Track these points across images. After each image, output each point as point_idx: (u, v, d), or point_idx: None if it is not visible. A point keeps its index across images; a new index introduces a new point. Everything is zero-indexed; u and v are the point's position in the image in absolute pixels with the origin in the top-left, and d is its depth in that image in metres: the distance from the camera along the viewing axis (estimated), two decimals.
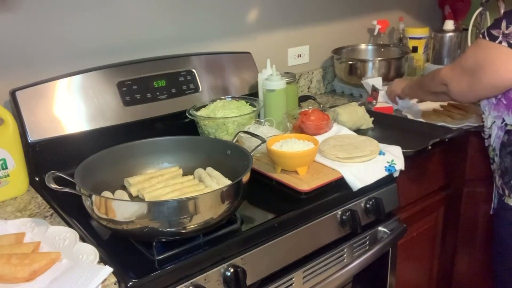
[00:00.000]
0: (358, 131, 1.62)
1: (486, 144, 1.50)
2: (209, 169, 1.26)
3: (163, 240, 1.04)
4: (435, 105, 1.83)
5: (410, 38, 2.32)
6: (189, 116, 1.54)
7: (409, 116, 1.76)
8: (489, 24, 2.10)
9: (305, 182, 1.27)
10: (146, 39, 1.66)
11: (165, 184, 1.20)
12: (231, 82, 1.74)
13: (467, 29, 2.14)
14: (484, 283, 1.86)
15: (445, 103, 1.82)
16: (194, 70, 1.66)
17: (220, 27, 1.84)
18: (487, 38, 1.31)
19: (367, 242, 1.38)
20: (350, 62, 2.05)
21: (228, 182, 1.17)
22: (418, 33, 2.31)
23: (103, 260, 1.00)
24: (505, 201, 1.41)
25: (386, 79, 2.01)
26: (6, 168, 1.30)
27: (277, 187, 1.31)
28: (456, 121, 1.68)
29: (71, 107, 1.41)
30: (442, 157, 1.68)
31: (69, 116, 1.40)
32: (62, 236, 1.06)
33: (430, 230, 1.78)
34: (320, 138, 1.47)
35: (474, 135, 1.69)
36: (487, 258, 1.78)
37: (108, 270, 0.94)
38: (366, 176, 1.32)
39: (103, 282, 0.92)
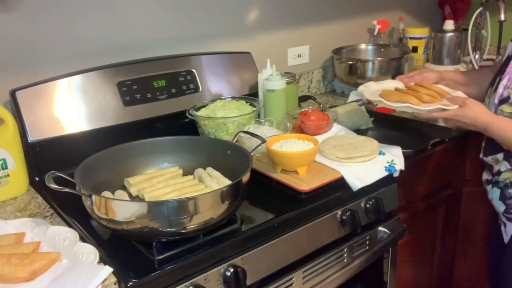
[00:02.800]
0: (358, 131, 1.62)
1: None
2: (209, 169, 1.26)
3: (163, 240, 1.04)
4: (398, 84, 1.56)
5: (410, 38, 2.32)
6: (189, 116, 1.54)
7: (366, 94, 1.49)
8: (489, 24, 2.11)
9: (305, 182, 1.27)
10: (146, 39, 1.66)
11: (165, 184, 1.20)
12: (231, 82, 1.74)
13: (467, 29, 2.14)
14: (484, 282, 1.86)
15: (412, 83, 1.54)
16: (194, 70, 1.66)
17: (220, 27, 1.84)
18: None
19: (367, 242, 1.38)
20: (350, 62, 2.05)
21: (228, 182, 1.17)
22: (418, 33, 2.31)
23: (103, 260, 1.00)
24: None
25: (386, 79, 2.01)
26: (6, 168, 1.30)
27: (277, 187, 1.31)
28: (424, 104, 1.40)
29: (71, 107, 1.41)
30: (442, 157, 1.68)
31: (69, 116, 1.40)
32: (62, 236, 1.06)
33: (430, 230, 1.78)
34: (320, 138, 1.47)
35: (474, 135, 1.69)
36: (487, 258, 1.78)
37: (108, 270, 0.94)
38: (366, 176, 1.32)
39: (103, 282, 0.93)
